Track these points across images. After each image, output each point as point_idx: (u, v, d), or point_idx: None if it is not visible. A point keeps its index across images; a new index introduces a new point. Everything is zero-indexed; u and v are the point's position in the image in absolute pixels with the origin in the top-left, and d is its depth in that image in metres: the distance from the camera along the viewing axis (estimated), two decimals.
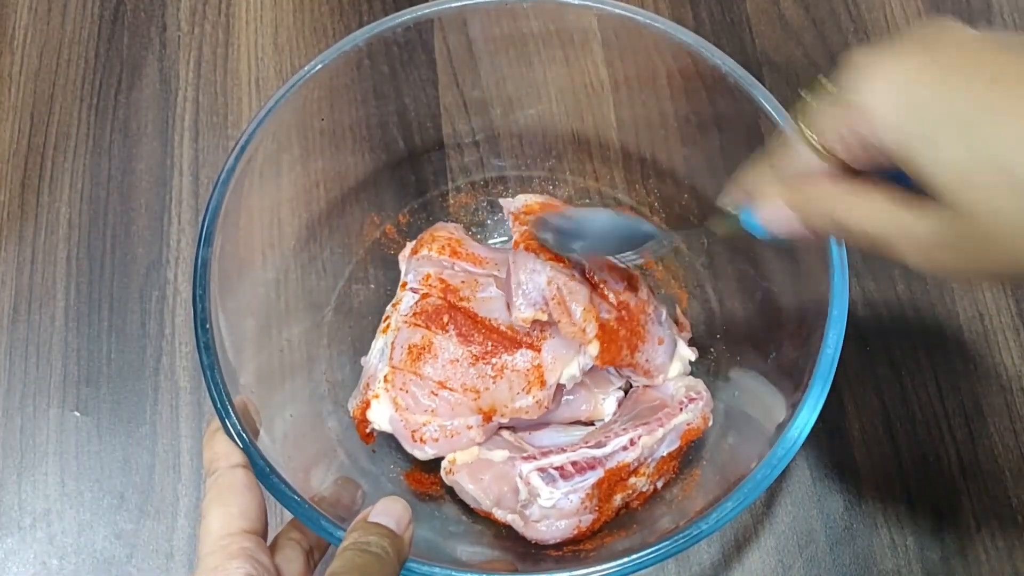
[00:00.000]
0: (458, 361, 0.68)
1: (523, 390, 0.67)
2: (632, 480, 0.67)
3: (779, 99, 0.66)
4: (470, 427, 0.68)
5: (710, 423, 0.71)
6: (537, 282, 0.66)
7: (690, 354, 0.73)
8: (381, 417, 0.69)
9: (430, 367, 0.68)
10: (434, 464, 0.71)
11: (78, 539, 0.75)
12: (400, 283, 0.73)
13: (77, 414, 0.79)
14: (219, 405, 0.58)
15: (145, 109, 0.90)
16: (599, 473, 0.65)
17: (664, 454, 0.68)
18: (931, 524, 0.73)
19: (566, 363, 0.68)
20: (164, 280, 0.83)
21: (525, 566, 0.67)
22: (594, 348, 0.67)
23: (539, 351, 0.68)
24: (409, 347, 0.68)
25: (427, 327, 0.69)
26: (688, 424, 0.69)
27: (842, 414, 0.77)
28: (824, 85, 0.49)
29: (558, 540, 0.66)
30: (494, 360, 0.68)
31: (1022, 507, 0.74)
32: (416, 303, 0.70)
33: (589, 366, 0.69)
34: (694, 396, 0.70)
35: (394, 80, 0.76)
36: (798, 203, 0.51)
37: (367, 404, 0.69)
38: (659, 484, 0.70)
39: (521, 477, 0.65)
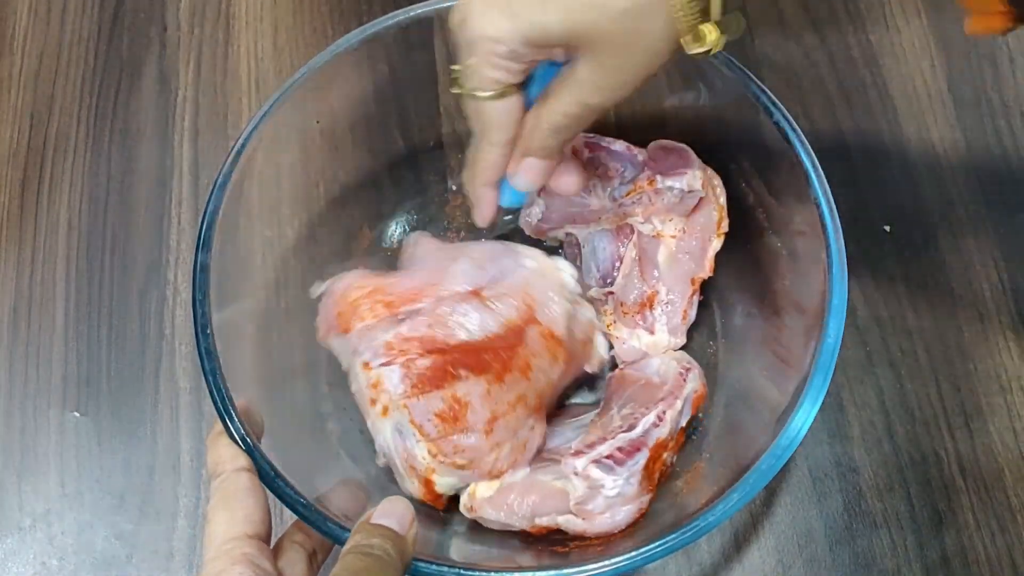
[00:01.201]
0: (489, 390, 0.66)
1: (550, 363, 0.68)
2: (664, 455, 0.68)
3: (779, 98, 0.66)
4: (532, 427, 0.68)
5: (707, 387, 0.73)
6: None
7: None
8: (462, 489, 0.69)
9: (471, 415, 0.65)
10: None
11: (78, 540, 0.75)
12: (355, 364, 0.68)
13: (77, 415, 0.79)
14: (222, 409, 0.58)
15: (145, 110, 0.90)
16: (645, 454, 0.66)
17: (683, 424, 0.70)
18: (931, 524, 0.73)
19: (564, 312, 0.69)
20: (164, 281, 0.83)
21: (532, 563, 0.67)
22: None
23: (537, 321, 0.68)
24: (436, 415, 0.65)
25: (439, 387, 0.65)
26: (695, 392, 0.71)
27: (842, 414, 0.77)
28: (456, 68, 0.60)
29: (623, 527, 0.66)
30: (515, 362, 0.67)
31: (1022, 507, 0.74)
32: (404, 375, 0.65)
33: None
34: (688, 366, 0.72)
35: (393, 80, 0.76)
36: (530, 146, 0.62)
37: (429, 482, 0.67)
38: (674, 459, 0.71)
39: (577, 473, 0.65)
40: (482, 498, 0.67)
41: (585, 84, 0.57)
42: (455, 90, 0.61)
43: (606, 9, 0.53)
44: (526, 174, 0.63)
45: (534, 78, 0.61)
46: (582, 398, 0.77)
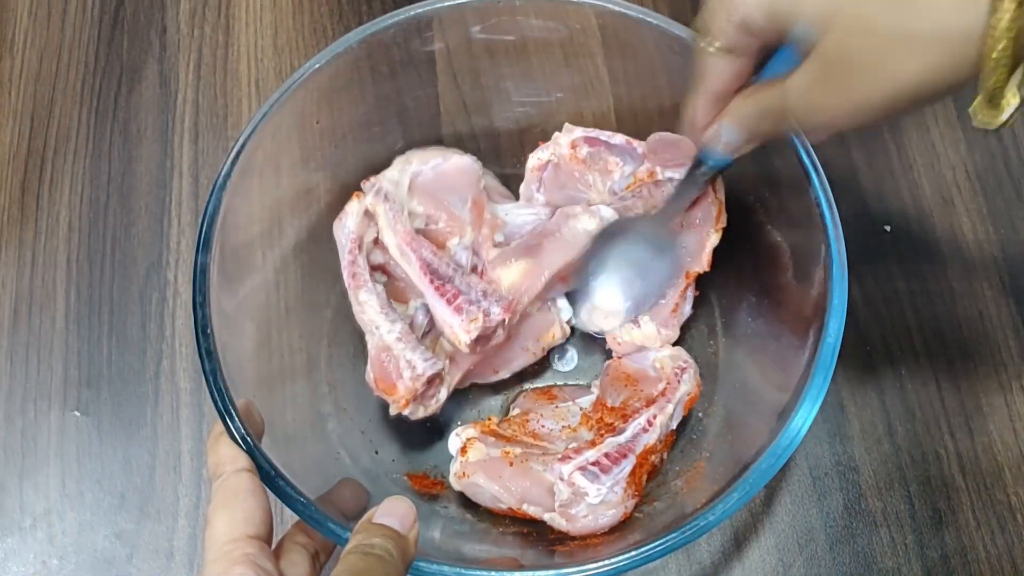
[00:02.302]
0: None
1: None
2: (652, 458, 0.69)
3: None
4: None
5: (701, 388, 0.73)
6: None
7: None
8: None
9: None
10: (436, 463, 0.72)
11: (79, 539, 0.75)
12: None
13: (78, 415, 0.79)
14: (222, 409, 0.58)
15: (145, 111, 0.90)
16: (632, 460, 0.67)
17: (673, 428, 0.70)
18: (931, 523, 0.73)
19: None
20: (164, 282, 0.83)
21: (533, 561, 0.67)
22: None
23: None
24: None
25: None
26: (688, 394, 0.71)
27: (842, 413, 0.77)
28: (699, 20, 0.59)
29: (606, 529, 0.66)
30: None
31: (1022, 506, 0.74)
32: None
33: None
34: (683, 365, 0.72)
35: (393, 80, 0.76)
36: (737, 112, 0.61)
37: None
38: (664, 456, 0.71)
39: (563, 479, 0.65)
40: (475, 461, 0.68)
41: (795, 93, 0.54)
42: (695, 31, 0.61)
43: (877, 30, 0.48)
44: (721, 133, 0.63)
45: (779, 55, 0.58)
46: (575, 379, 0.78)
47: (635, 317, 0.74)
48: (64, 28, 0.94)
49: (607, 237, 0.74)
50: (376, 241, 0.73)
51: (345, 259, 0.72)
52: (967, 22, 0.45)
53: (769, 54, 0.58)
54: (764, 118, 0.59)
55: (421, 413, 0.71)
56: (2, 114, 0.90)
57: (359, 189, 0.73)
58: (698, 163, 0.68)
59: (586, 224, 0.74)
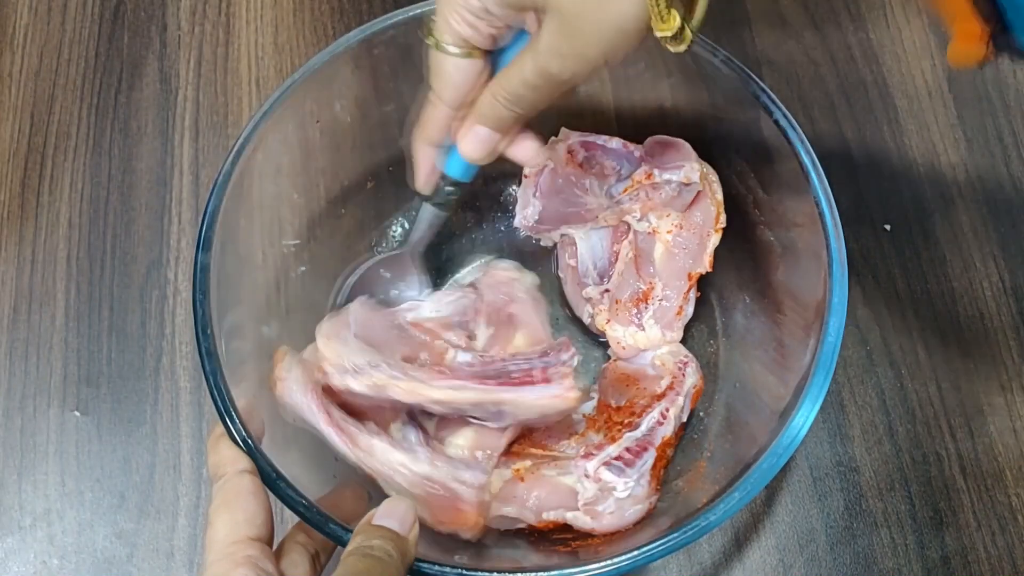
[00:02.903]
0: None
1: None
2: (668, 451, 0.69)
3: (779, 97, 0.66)
4: None
5: (705, 381, 0.73)
6: None
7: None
8: None
9: None
10: None
11: (78, 539, 0.75)
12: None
13: (77, 414, 0.79)
14: (223, 410, 0.58)
15: (145, 109, 0.90)
16: (652, 453, 0.67)
17: (684, 420, 0.71)
18: (931, 523, 0.73)
19: None
20: (164, 280, 0.83)
21: (533, 563, 0.67)
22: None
23: None
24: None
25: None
26: (694, 386, 0.71)
27: (842, 413, 0.77)
28: (428, 23, 0.61)
29: (630, 525, 0.66)
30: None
31: (1022, 506, 0.74)
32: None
33: None
34: (684, 359, 0.73)
35: (394, 79, 0.76)
36: (483, 112, 0.61)
37: None
38: (673, 451, 0.71)
39: (588, 475, 0.65)
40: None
41: (546, 51, 0.56)
42: (425, 38, 0.61)
43: None
44: (473, 142, 0.63)
45: (506, 51, 0.61)
46: None
47: (641, 321, 0.75)
48: (64, 24, 0.94)
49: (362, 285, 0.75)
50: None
51: (320, 420, 0.62)
52: None
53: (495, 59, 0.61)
54: (516, 103, 0.60)
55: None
56: (2, 110, 0.90)
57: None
58: (442, 180, 0.69)
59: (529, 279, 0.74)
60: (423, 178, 0.68)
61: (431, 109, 0.64)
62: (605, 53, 0.56)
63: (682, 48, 0.55)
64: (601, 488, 0.65)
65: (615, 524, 0.66)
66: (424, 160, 0.67)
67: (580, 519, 0.66)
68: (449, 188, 0.69)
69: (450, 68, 0.61)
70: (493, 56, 0.61)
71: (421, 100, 0.65)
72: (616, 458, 0.66)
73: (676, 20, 0.53)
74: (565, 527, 0.67)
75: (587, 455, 0.66)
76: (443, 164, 0.67)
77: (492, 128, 0.62)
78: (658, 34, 0.54)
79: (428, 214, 0.72)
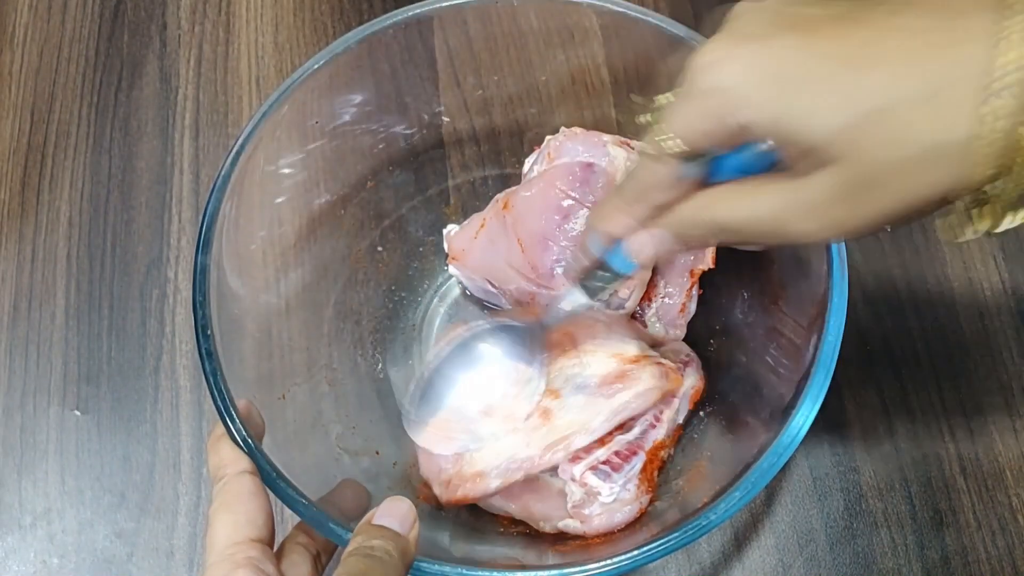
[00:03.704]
0: None
1: None
2: (661, 454, 0.69)
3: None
4: None
5: (705, 381, 0.72)
6: None
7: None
8: None
9: None
10: None
11: (78, 538, 0.75)
12: None
13: (77, 412, 0.79)
14: (223, 410, 0.58)
15: (145, 107, 0.90)
16: (642, 457, 0.66)
17: (680, 422, 0.70)
18: (931, 523, 0.73)
19: None
20: (164, 279, 0.83)
21: (533, 561, 0.67)
22: None
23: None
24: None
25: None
26: (693, 387, 0.71)
27: (842, 413, 0.77)
28: (661, 100, 0.52)
29: (621, 527, 0.66)
30: None
31: (1022, 506, 0.74)
32: None
33: None
34: (686, 359, 0.72)
35: (394, 78, 0.76)
36: (675, 223, 0.53)
37: None
38: (672, 451, 0.71)
39: (575, 479, 0.65)
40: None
41: (817, 199, 0.46)
42: (642, 119, 0.53)
43: (904, 144, 0.43)
44: (650, 247, 0.55)
45: (724, 158, 0.51)
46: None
47: (643, 319, 0.74)
48: (64, 23, 0.94)
49: (475, 340, 0.69)
50: None
51: None
52: (999, 127, 0.42)
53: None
54: (721, 236, 0.53)
55: None
56: (2, 108, 0.90)
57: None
58: (601, 268, 0.60)
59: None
60: (585, 267, 0.61)
61: (623, 201, 0.55)
62: (884, 223, 0.47)
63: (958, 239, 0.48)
64: (587, 492, 0.65)
65: (604, 526, 0.66)
66: (589, 255, 0.60)
67: (570, 525, 0.66)
68: (606, 276, 0.60)
69: (662, 169, 0.51)
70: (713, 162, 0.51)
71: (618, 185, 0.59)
72: (604, 462, 0.65)
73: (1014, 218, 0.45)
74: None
75: (575, 458, 0.66)
76: (607, 255, 0.59)
77: (680, 244, 0.55)
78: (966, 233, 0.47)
79: (577, 298, 0.64)
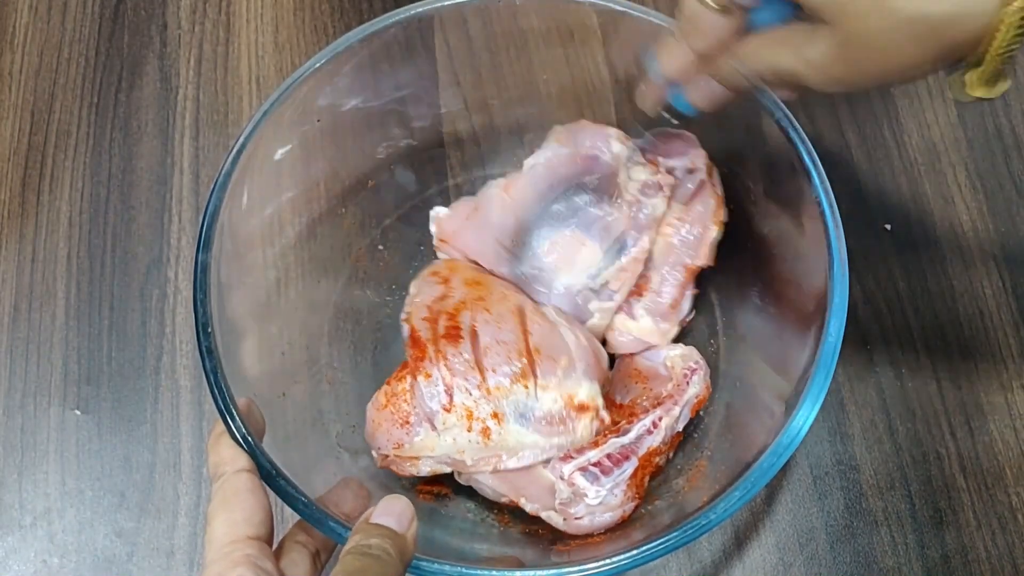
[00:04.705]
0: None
1: None
2: (656, 459, 0.69)
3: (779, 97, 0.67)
4: None
5: (711, 390, 0.72)
6: None
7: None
8: None
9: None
10: None
11: (79, 537, 0.75)
12: None
13: (78, 412, 0.79)
14: (223, 408, 0.58)
15: (145, 107, 0.90)
16: (634, 463, 0.66)
17: (680, 429, 0.70)
18: (931, 522, 0.73)
19: None
20: (165, 279, 0.83)
21: (534, 560, 0.67)
22: None
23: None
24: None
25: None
26: (697, 396, 0.71)
27: (842, 412, 0.77)
28: None
29: (601, 531, 0.66)
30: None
31: (1022, 505, 0.74)
32: None
33: None
34: (694, 367, 0.72)
35: (394, 78, 0.76)
36: (721, 71, 0.61)
37: None
38: (669, 456, 0.71)
39: (563, 478, 0.65)
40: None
41: (813, 61, 0.55)
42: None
43: (885, 14, 0.50)
44: (704, 93, 0.63)
45: (761, 11, 0.59)
46: None
47: (632, 310, 0.74)
48: (64, 23, 0.94)
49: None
50: None
51: None
52: (981, 6, 0.48)
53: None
54: (759, 80, 0.60)
55: None
56: (3, 109, 0.90)
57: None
58: (667, 109, 0.68)
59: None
60: (651, 103, 0.68)
61: (674, 46, 0.63)
62: (881, 81, 0.55)
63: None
64: (575, 492, 0.65)
65: (585, 528, 0.66)
66: (655, 92, 0.67)
67: (553, 518, 0.66)
68: (671, 116, 0.69)
69: (703, 18, 0.59)
70: (749, 13, 0.59)
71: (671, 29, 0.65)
72: (595, 464, 0.66)
73: (1004, 85, 0.52)
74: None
75: (566, 457, 0.66)
76: (671, 96, 0.67)
77: (728, 88, 0.62)
78: (962, 95, 0.53)
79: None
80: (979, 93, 0.53)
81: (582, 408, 0.67)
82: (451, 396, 0.66)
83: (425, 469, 0.68)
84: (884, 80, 0.54)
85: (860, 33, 0.51)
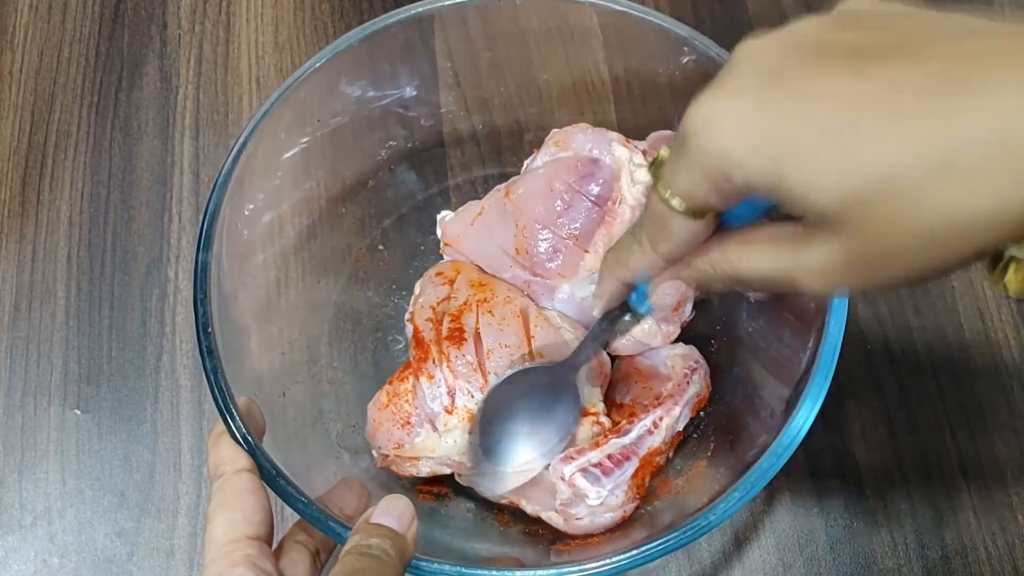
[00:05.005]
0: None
1: None
2: (656, 459, 0.68)
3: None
4: None
5: (711, 389, 0.72)
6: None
7: None
8: None
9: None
10: None
11: (79, 537, 0.75)
12: None
13: (78, 412, 0.79)
14: (223, 408, 0.58)
15: (146, 107, 0.90)
16: (634, 463, 0.66)
17: (680, 429, 0.70)
18: (931, 523, 0.73)
19: None
20: (165, 278, 0.83)
21: (533, 560, 0.67)
22: None
23: None
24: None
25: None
26: (697, 396, 0.70)
27: (842, 412, 0.77)
28: (662, 154, 0.48)
29: (601, 531, 0.66)
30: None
31: (1022, 505, 0.74)
32: None
33: None
34: (694, 366, 0.72)
35: (394, 78, 0.76)
36: (693, 276, 0.52)
37: None
38: (669, 456, 0.71)
39: (564, 479, 0.65)
40: None
41: (814, 268, 0.45)
42: (647, 175, 0.53)
43: (920, 217, 0.39)
44: (670, 294, 0.60)
45: (735, 211, 0.50)
46: None
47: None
48: (65, 23, 0.94)
49: (509, 386, 0.68)
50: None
51: None
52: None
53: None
54: (738, 286, 0.52)
55: None
56: (3, 109, 0.90)
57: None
58: (623, 312, 0.62)
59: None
60: (604, 306, 0.62)
61: (638, 253, 0.54)
62: (899, 285, 0.46)
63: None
64: (575, 493, 0.65)
65: (586, 528, 0.66)
66: (612, 292, 0.60)
67: (554, 518, 0.66)
68: (628, 319, 0.63)
69: (675, 224, 0.49)
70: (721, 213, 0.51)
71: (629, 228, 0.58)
72: (596, 464, 0.65)
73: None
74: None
75: (567, 458, 0.66)
76: (630, 297, 0.61)
77: (701, 292, 0.58)
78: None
79: (601, 334, 0.66)
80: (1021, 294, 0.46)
81: (583, 413, 0.67)
82: (453, 398, 0.66)
83: (425, 470, 0.68)
84: (902, 284, 0.45)
85: (879, 241, 0.41)
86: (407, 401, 0.68)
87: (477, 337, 0.68)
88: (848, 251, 0.42)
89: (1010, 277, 0.45)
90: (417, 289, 0.74)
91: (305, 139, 0.73)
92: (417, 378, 0.67)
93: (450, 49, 0.77)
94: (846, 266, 0.43)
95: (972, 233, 0.39)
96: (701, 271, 0.52)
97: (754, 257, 0.48)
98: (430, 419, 0.67)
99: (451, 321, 0.69)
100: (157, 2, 0.94)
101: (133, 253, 0.84)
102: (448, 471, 0.68)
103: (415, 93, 0.79)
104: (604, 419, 0.68)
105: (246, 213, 0.67)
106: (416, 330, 0.70)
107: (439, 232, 0.78)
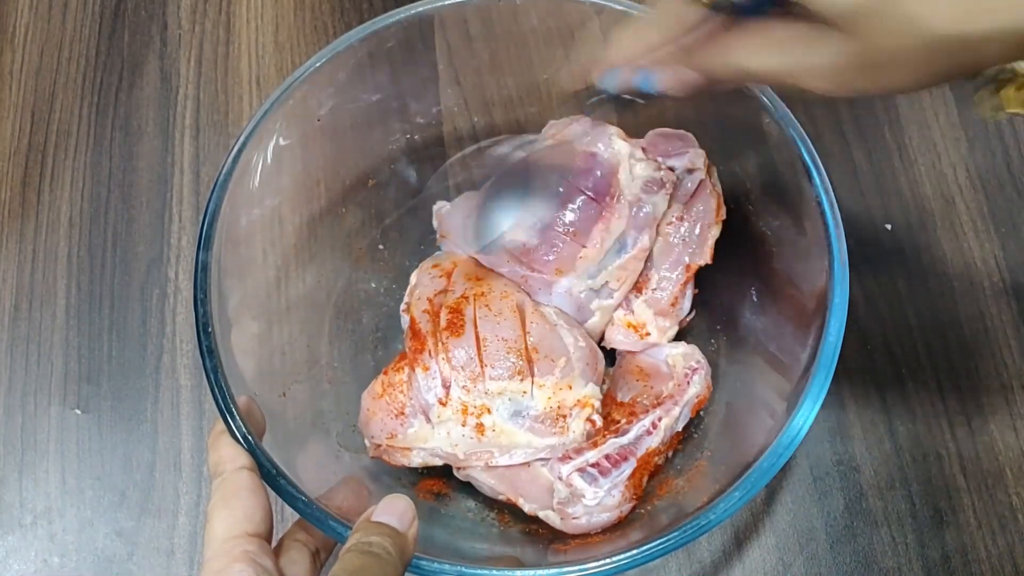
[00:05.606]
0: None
1: None
2: (655, 459, 0.69)
3: (780, 96, 0.66)
4: None
5: (711, 390, 0.72)
6: None
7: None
8: None
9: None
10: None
11: (79, 537, 0.75)
12: None
13: (78, 412, 0.79)
14: (223, 407, 0.58)
15: (146, 107, 0.90)
16: (632, 464, 0.66)
17: (679, 429, 0.70)
18: (932, 522, 0.73)
19: None
20: (165, 278, 0.83)
21: (533, 560, 0.67)
22: None
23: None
24: None
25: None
26: (697, 396, 0.70)
27: (843, 412, 0.77)
28: None
29: (597, 531, 0.66)
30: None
31: (1022, 505, 0.74)
32: None
33: None
34: (695, 366, 0.72)
35: (394, 78, 0.76)
36: (701, 63, 0.55)
37: None
38: (668, 456, 0.71)
39: (561, 479, 0.65)
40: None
41: (818, 66, 0.49)
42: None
43: (909, 34, 0.45)
44: (679, 82, 0.57)
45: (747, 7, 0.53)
46: None
47: (631, 306, 0.74)
48: (65, 22, 0.94)
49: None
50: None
51: None
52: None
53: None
54: (741, 78, 0.55)
55: None
56: (3, 108, 0.90)
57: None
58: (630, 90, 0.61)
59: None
60: (618, 82, 0.61)
61: (645, 30, 0.57)
62: (892, 91, 0.50)
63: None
64: (572, 493, 0.65)
65: (581, 529, 0.66)
66: (615, 71, 0.61)
67: (551, 517, 0.66)
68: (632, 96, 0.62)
69: (689, 15, 0.54)
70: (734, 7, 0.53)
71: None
72: (593, 464, 0.65)
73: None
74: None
75: (565, 457, 0.66)
76: (638, 77, 0.59)
77: (709, 82, 0.56)
78: (994, 114, 0.51)
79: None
80: (1017, 109, 0.51)
81: (580, 404, 0.67)
82: (448, 390, 0.67)
83: (416, 460, 0.68)
84: (895, 91, 0.50)
85: (881, 47, 0.47)
86: (402, 391, 0.68)
87: (474, 330, 0.68)
88: (851, 52, 0.47)
89: (1011, 94, 0.46)
90: (413, 280, 0.74)
91: (305, 138, 0.73)
92: (412, 369, 0.67)
93: (450, 49, 0.77)
94: (853, 67, 0.48)
95: (966, 47, 0.44)
96: (710, 61, 0.54)
97: (763, 52, 0.52)
98: (424, 410, 0.67)
99: (448, 313, 0.69)
100: (157, 2, 0.94)
101: (133, 253, 0.84)
102: (440, 463, 0.68)
103: (415, 92, 0.79)
104: (596, 417, 0.68)
105: (246, 213, 0.68)
106: (413, 321, 0.70)
107: (435, 223, 0.78)
